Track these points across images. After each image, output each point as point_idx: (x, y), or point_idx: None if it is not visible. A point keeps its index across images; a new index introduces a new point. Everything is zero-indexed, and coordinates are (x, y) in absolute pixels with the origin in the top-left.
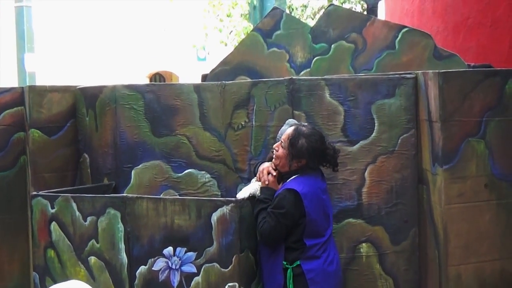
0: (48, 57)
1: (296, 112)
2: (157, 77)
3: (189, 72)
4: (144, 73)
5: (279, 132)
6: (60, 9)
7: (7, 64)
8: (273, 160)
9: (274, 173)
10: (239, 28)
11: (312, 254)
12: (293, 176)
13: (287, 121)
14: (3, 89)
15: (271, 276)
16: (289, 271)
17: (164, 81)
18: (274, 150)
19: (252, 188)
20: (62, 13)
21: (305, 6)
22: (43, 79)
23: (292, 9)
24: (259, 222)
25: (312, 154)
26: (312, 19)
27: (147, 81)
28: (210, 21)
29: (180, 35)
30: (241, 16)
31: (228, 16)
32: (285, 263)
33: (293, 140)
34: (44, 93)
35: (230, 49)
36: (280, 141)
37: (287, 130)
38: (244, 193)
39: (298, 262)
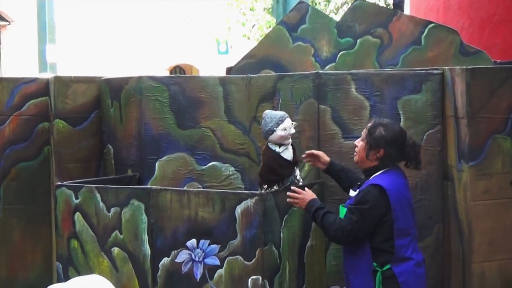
0: (69, 48)
1: (322, 106)
2: (177, 69)
3: (209, 66)
4: (164, 65)
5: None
6: (82, 0)
7: (29, 55)
8: (355, 157)
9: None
10: (262, 22)
11: (402, 256)
12: (376, 174)
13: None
14: (28, 79)
15: (357, 279)
16: (378, 274)
17: (184, 74)
18: (355, 146)
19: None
20: (83, 5)
21: (328, 1)
22: (64, 70)
23: (315, 4)
24: (330, 223)
25: (390, 144)
26: (335, 13)
27: (167, 74)
28: (233, 15)
29: (202, 28)
30: (264, 10)
31: (251, 10)
32: (375, 264)
33: (371, 129)
34: (69, 83)
35: (252, 43)
36: (361, 137)
37: (369, 124)
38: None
39: (389, 266)
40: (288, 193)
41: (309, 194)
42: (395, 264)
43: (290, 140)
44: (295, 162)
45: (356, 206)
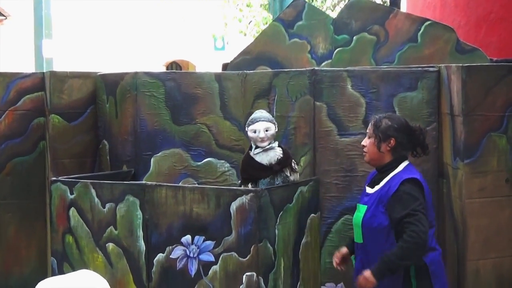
0: (66, 44)
1: (318, 103)
2: (173, 65)
3: (206, 62)
4: (161, 61)
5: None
6: None
7: (25, 50)
8: (364, 157)
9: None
10: (258, 18)
11: (429, 246)
12: (396, 169)
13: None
14: (24, 74)
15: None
16: (412, 267)
17: (181, 70)
18: (362, 147)
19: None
20: (80, 0)
21: None
22: (60, 66)
23: (312, 1)
24: (407, 249)
25: (399, 131)
26: (332, 10)
27: (163, 70)
28: (230, 11)
29: (199, 24)
30: (261, 6)
31: (247, 6)
32: None
33: (377, 123)
34: (65, 79)
35: (249, 39)
36: (366, 136)
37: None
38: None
39: None
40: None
41: (366, 275)
42: (425, 254)
43: (267, 145)
44: (270, 167)
45: (413, 209)
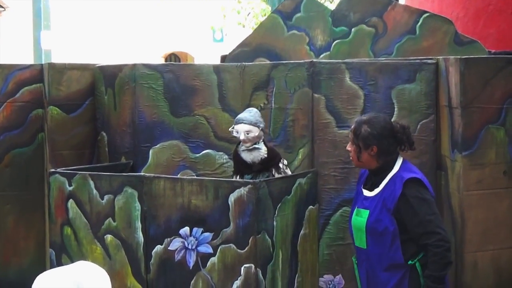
0: (64, 35)
1: (316, 95)
2: (172, 57)
3: (204, 53)
4: (159, 53)
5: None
6: None
7: (23, 41)
8: (352, 161)
9: None
10: (257, 10)
11: None
12: (393, 170)
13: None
14: (22, 65)
15: (390, 274)
16: (417, 264)
17: (179, 62)
18: (349, 152)
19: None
20: None
21: None
22: (59, 57)
23: None
24: (439, 259)
25: (379, 137)
26: (331, 2)
27: (162, 61)
28: (228, 3)
29: (197, 16)
30: None
31: None
32: (410, 262)
33: (356, 131)
34: (63, 70)
35: (248, 31)
36: (350, 141)
37: (352, 126)
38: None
39: (423, 254)
40: None
41: None
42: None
43: (250, 145)
44: (252, 165)
45: (424, 213)
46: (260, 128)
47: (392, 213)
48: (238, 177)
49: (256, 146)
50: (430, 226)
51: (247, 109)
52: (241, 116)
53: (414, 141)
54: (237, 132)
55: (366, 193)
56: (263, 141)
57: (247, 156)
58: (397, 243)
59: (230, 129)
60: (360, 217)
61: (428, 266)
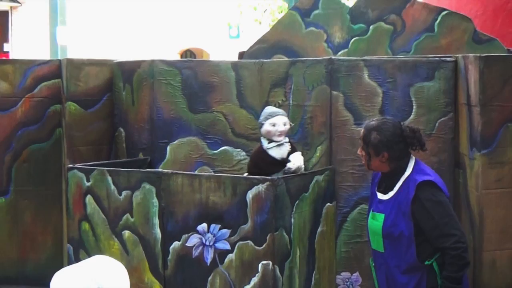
0: (80, 31)
1: (334, 92)
2: (188, 53)
3: (220, 50)
4: (175, 49)
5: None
6: None
7: (39, 37)
8: (364, 166)
9: None
10: (274, 6)
11: None
12: (406, 172)
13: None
14: (41, 61)
15: (408, 275)
16: (434, 264)
17: (195, 58)
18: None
19: (300, 160)
20: None
21: None
22: (74, 53)
23: None
24: (455, 262)
25: (390, 143)
26: None
27: (177, 57)
28: None
29: (213, 12)
30: None
31: None
32: (427, 262)
33: (365, 138)
34: (81, 66)
35: (264, 27)
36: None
37: (361, 132)
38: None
39: (439, 254)
40: None
41: None
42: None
43: (282, 139)
44: (283, 161)
45: (439, 216)
46: (289, 121)
47: (408, 217)
48: None
49: (284, 141)
50: (446, 228)
51: (269, 107)
52: (272, 110)
53: (425, 143)
54: (274, 125)
55: (380, 196)
56: None
57: (277, 153)
58: (413, 246)
59: (266, 121)
60: (376, 221)
61: (445, 267)
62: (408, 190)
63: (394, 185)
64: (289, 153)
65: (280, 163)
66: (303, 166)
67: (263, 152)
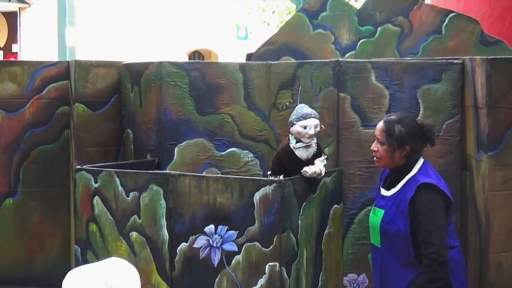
0: (89, 32)
1: (342, 94)
2: (196, 54)
3: (228, 51)
4: (183, 50)
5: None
6: None
7: (48, 38)
8: (376, 162)
9: None
10: (282, 8)
11: (452, 244)
12: (412, 171)
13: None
14: (49, 62)
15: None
16: None
17: (203, 59)
18: (374, 152)
19: (318, 167)
20: None
21: None
22: (83, 54)
23: None
24: (430, 267)
25: (414, 136)
26: (356, 1)
27: (186, 59)
28: (253, 1)
29: (222, 13)
30: None
31: None
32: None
33: (389, 130)
34: (89, 68)
35: (272, 29)
36: (376, 140)
37: (378, 125)
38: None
39: None
40: None
41: None
42: (448, 267)
43: (311, 141)
44: (308, 163)
45: (427, 222)
46: (320, 123)
47: (405, 216)
48: (282, 177)
49: (313, 141)
50: (429, 236)
51: (302, 105)
52: (306, 111)
53: (435, 139)
54: (305, 128)
55: (383, 192)
56: None
57: (303, 153)
58: (410, 244)
59: (297, 122)
60: (376, 216)
61: (419, 276)
62: (409, 189)
63: (398, 183)
64: (314, 155)
65: (305, 164)
66: (322, 172)
67: (289, 151)
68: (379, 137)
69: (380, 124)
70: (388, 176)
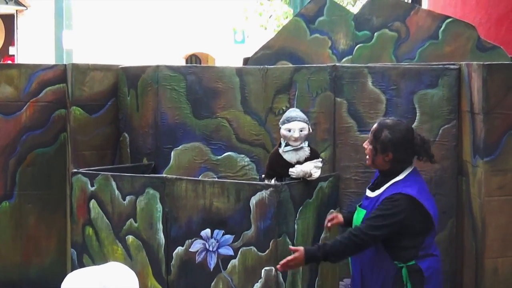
0: (86, 35)
1: (338, 99)
2: (193, 58)
3: (225, 55)
4: (180, 53)
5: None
6: None
7: (45, 41)
8: (367, 161)
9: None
10: (279, 12)
11: (427, 252)
12: (398, 177)
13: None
14: (46, 66)
15: (378, 275)
16: (404, 270)
17: (200, 63)
18: (364, 149)
19: (307, 167)
20: None
21: None
22: (80, 57)
23: None
24: (351, 245)
25: (397, 146)
26: (353, 5)
27: (183, 62)
28: (251, 5)
29: (219, 17)
30: (282, 0)
31: (268, 0)
32: (396, 262)
33: (376, 133)
34: (86, 71)
35: (269, 33)
36: (369, 138)
37: (375, 124)
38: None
39: (414, 261)
40: (278, 266)
41: (297, 254)
42: (421, 259)
43: (300, 144)
44: (294, 166)
45: (382, 215)
46: (309, 127)
47: None
48: (273, 180)
49: (303, 145)
50: (365, 226)
51: (291, 109)
52: (292, 114)
53: (433, 155)
54: (289, 131)
55: (368, 192)
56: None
57: (292, 157)
58: (383, 247)
59: (282, 126)
60: (358, 216)
61: (335, 238)
62: (388, 193)
63: (383, 185)
64: (307, 159)
65: (293, 167)
66: (313, 173)
67: (276, 154)
68: (370, 136)
69: (375, 124)
70: (378, 177)
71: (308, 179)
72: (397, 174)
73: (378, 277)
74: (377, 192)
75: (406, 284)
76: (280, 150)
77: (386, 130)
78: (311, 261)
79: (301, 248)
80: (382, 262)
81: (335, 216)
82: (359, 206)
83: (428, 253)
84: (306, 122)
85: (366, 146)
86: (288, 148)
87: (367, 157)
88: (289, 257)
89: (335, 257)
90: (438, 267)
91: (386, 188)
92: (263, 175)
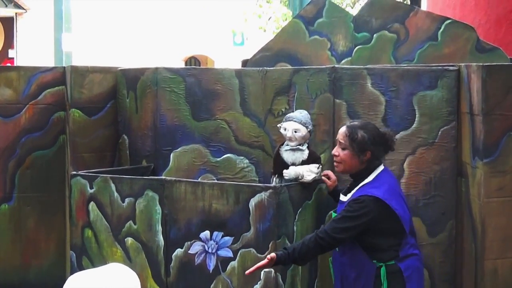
0: (85, 37)
1: (337, 101)
2: (192, 60)
3: (224, 57)
4: (179, 56)
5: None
6: None
7: (44, 43)
8: (336, 167)
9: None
10: (278, 14)
11: (406, 253)
12: (367, 179)
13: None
14: (45, 68)
15: (358, 274)
16: (382, 269)
17: (199, 65)
18: (334, 156)
19: (300, 169)
20: None
21: None
22: (79, 59)
23: None
24: (316, 246)
25: (375, 143)
26: (352, 7)
27: (182, 64)
28: (250, 7)
29: (218, 19)
30: (281, 2)
31: (267, 2)
32: (375, 261)
33: (351, 135)
34: (85, 73)
35: (268, 35)
36: (338, 145)
37: (340, 130)
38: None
39: (393, 262)
40: (247, 272)
41: (266, 262)
42: (401, 259)
43: (295, 144)
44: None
45: (347, 217)
46: (308, 130)
47: None
48: (275, 178)
49: (300, 147)
50: (331, 229)
51: (298, 110)
52: (291, 114)
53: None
54: (285, 129)
55: (341, 197)
56: (307, 143)
57: (288, 156)
58: (358, 246)
59: (278, 125)
60: None
61: (303, 241)
62: (355, 196)
63: (354, 188)
64: (304, 162)
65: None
66: (306, 176)
67: (277, 153)
68: (342, 141)
69: (343, 129)
70: (351, 182)
71: (300, 180)
72: (367, 176)
73: (360, 277)
74: (348, 196)
75: (382, 283)
76: (281, 149)
77: (360, 130)
78: (282, 260)
79: (274, 255)
80: (362, 262)
81: (331, 175)
82: (334, 211)
83: (408, 254)
84: (303, 124)
85: (337, 153)
86: (287, 147)
87: (338, 163)
88: (259, 264)
89: (302, 261)
90: (418, 265)
91: (356, 190)
92: (272, 171)
